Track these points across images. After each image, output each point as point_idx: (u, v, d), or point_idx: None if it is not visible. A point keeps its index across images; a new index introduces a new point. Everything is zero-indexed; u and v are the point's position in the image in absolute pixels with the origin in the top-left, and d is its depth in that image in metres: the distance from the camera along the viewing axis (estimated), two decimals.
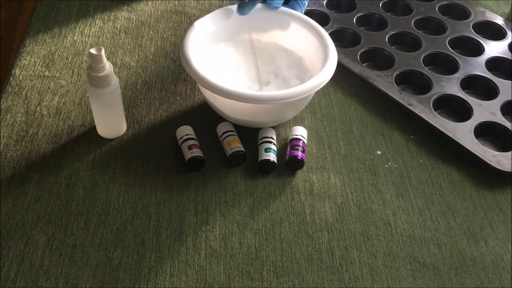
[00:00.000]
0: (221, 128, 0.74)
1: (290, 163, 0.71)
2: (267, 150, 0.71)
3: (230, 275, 0.61)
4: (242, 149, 0.71)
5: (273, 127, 0.76)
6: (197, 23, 0.75)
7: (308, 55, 0.80)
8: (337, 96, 0.84)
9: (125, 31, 0.92)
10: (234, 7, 0.78)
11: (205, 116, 0.79)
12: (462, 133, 0.76)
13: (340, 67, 0.87)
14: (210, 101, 0.75)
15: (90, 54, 0.64)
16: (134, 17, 0.95)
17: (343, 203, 0.69)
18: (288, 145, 0.73)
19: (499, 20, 1.00)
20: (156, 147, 0.74)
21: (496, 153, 0.74)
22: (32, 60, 0.85)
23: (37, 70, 0.83)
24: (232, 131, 0.74)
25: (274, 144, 0.73)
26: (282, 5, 0.78)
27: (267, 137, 0.73)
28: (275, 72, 0.79)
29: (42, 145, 0.72)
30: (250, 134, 0.76)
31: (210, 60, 0.78)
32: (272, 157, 0.70)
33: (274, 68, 0.80)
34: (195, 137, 0.72)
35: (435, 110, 0.80)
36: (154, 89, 0.82)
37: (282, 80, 0.78)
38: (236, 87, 0.68)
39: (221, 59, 0.79)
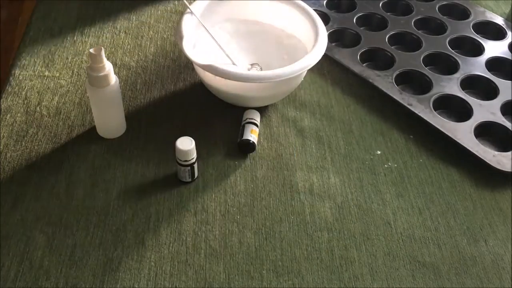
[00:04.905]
0: (249, 114, 0.76)
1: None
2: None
3: (230, 275, 0.61)
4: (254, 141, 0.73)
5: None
6: (185, 17, 0.77)
7: (297, 33, 0.83)
8: (337, 96, 0.84)
9: (125, 31, 0.92)
10: None
11: (204, 116, 0.79)
12: (462, 133, 0.76)
13: (340, 67, 0.88)
14: (207, 82, 0.78)
15: (90, 54, 0.64)
16: (134, 17, 0.95)
17: (343, 203, 0.69)
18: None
19: (499, 20, 1.00)
20: (156, 147, 0.74)
21: (496, 153, 0.74)
22: (32, 60, 0.85)
23: (37, 70, 0.83)
24: (256, 123, 0.76)
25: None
26: None
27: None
28: (265, 51, 0.83)
29: (42, 145, 0.72)
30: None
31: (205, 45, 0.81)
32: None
33: (265, 47, 0.84)
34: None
35: (435, 110, 0.80)
36: (154, 89, 0.82)
37: (271, 60, 0.81)
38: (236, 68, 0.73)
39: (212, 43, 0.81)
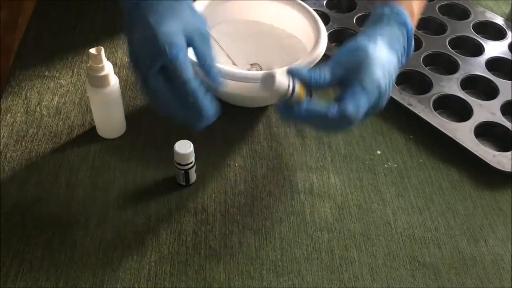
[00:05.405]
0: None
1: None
2: None
3: (230, 275, 0.61)
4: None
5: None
6: None
7: (297, 33, 0.83)
8: None
9: None
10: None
11: None
12: (462, 133, 0.76)
13: None
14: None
15: (90, 54, 0.64)
16: None
17: (343, 203, 0.69)
18: None
19: (499, 20, 1.00)
20: (156, 147, 0.74)
21: (496, 153, 0.74)
22: (32, 60, 0.85)
23: (37, 70, 0.83)
24: None
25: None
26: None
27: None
28: (266, 51, 0.83)
29: (42, 145, 0.72)
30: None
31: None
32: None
33: (265, 46, 0.84)
34: None
35: (435, 110, 0.80)
36: None
37: (271, 60, 0.81)
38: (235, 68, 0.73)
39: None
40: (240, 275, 0.61)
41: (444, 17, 1.00)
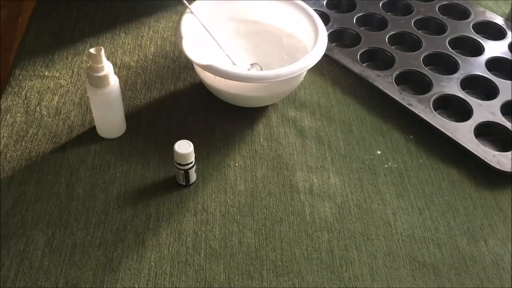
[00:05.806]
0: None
1: None
2: None
3: (230, 275, 0.61)
4: None
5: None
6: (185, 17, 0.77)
7: (297, 33, 0.83)
8: (337, 96, 0.84)
9: (125, 31, 0.92)
10: None
11: (204, 116, 0.79)
12: (462, 133, 0.76)
13: (340, 67, 0.88)
14: (207, 82, 0.77)
15: (90, 54, 0.64)
16: (134, 17, 0.95)
17: (343, 203, 0.69)
18: None
19: (499, 20, 1.00)
20: (156, 147, 0.74)
21: (496, 153, 0.74)
22: (32, 60, 0.85)
23: (37, 70, 0.83)
24: None
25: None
26: None
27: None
28: (265, 52, 0.84)
29: (42, 145, 0.72)
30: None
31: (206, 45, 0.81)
32: None
33: (266, 47, 0.84)
34: None
35: (435, 110, 0.80)
36: (154, 89, 0.82)
37: (271, 60, 0.82)
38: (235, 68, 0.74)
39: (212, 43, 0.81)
40: (240, 275, 0.61)
41: (444, 17, 1.00)
